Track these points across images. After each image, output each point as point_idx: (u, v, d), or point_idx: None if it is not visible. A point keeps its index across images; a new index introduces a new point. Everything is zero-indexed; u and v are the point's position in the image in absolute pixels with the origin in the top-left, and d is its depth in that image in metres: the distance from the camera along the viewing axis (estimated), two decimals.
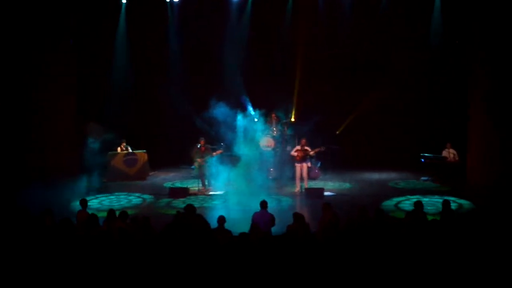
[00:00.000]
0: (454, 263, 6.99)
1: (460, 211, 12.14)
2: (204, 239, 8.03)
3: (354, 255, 7.17)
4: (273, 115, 16.62)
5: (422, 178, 15.90)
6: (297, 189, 14.64)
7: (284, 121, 17.01)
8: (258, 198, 10.25)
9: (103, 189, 15.16)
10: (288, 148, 16.03)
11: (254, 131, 15.40)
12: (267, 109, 16.17)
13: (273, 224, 9.43)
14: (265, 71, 18.71)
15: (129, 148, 16.96)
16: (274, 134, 16.45)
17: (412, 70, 17.62)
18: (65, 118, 16.92)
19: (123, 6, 18.30)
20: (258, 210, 9.69)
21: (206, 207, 13.14)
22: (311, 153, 14.73)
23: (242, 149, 14.60)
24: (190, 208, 9.52)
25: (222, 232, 8.67)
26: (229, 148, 15.45)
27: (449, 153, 15.51)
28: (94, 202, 13.72)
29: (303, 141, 14.67)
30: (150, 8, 18.39)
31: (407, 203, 13.05)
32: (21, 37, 15.70)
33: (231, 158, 15.15)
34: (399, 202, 13.25)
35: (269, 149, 16.12)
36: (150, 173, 17.38)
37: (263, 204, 9.72)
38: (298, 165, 14.56)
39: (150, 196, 14.53)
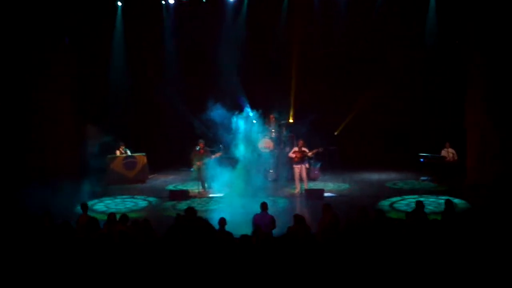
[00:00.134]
0: (454, 263, 7.04)
1: (456, 211, 12.18)
2: (207, 241, 8.06)
3: (354, 256, 7.21)
4: (271, 116, 16.63)
5: (422, 178, 15.86)
6: (297, 190, 14.64)
7: (282, 122, 17.01)
8: (258, 200, 10.29)
9: (104, 193, 15.13)
10: (287, 149, 16.03)
11: (252, 133, 15.37)
12: (264, 110, 16.11)
13: (274, 226, 9.47)
14: (261, 71, 18.68)
15: (128, 151, 16.90)
16: (273, 136, 16.45)
17: (407, 68, 17.67)
18: (65, 118, 16.93)
19: (119, 9, 18.33)
20: (258, 212, 9.73)
21: (207, 210, 13.14)
22: (309, 154, 14.74)
23: (240, 151, 14.58)
24: (190, 210, 9.55)
25: (223, 234, 8.71)
26: (227, 150, 15.46)
27: (448, 152, 15.49)
28: (100, 206, 13.79)
29: (301, 142, 14.68)
30: (146, 10, 18.36)
31: (402, 203, 13.10)
32: (21, 37, 15.73)
33: (229, 160, 15.11)
34: (394, 203, 13.26)
35: (268, 150, 16.10)
36: (150, 176, 17.35)
37: (264, 206, 9.75)
38: (296, 167, 14.56)
39: (155, 199, 14.56)
